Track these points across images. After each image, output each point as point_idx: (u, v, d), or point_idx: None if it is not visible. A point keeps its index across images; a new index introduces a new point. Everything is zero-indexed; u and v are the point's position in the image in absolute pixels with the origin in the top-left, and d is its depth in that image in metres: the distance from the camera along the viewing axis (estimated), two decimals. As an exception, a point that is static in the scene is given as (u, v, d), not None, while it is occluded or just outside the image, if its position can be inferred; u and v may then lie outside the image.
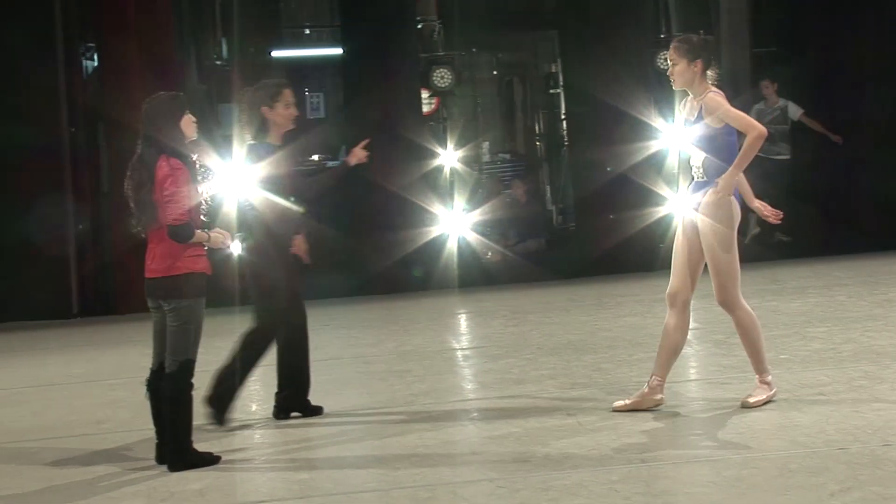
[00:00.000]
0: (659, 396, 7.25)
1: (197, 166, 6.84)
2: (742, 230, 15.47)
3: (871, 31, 15.20)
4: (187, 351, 6.75)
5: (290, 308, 7.74)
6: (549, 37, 18.69)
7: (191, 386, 6.78)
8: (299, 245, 7.85)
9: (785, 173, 15.26)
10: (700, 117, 7.12)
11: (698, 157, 7.18)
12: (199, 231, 6.79)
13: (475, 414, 7.80)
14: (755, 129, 7.03)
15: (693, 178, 7.25)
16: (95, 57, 14.19)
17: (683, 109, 7.29)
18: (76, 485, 6.71)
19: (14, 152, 13.40)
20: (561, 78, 17.43)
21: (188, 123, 6.86)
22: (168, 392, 6.76)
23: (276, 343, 7.82)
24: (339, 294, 14.07)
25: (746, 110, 15.48)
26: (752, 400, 7.17)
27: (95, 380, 9.91)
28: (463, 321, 12.21)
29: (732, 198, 7.10)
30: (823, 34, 15.50)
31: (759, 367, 7.30)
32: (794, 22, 15.88)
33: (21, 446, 7.71)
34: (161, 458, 6.86)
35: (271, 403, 7.94)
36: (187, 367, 6.75)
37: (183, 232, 6.71)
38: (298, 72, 19.31)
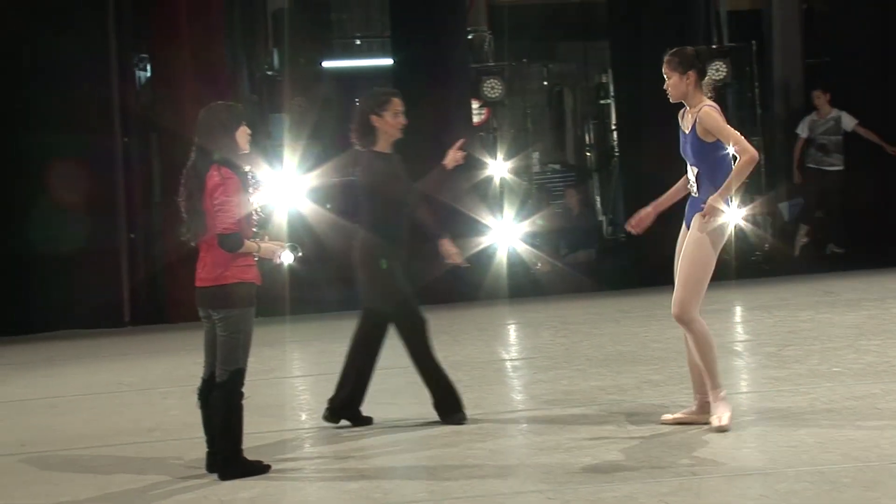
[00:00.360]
0: (707, 415, 7.18)
1: (249, 177, 6.86)
2: (789, 240, 15.46)
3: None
4: (238, 360, 6.78)
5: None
6: (600, 47, 18.65)
7: (241, 395, 6.81)
8: (447, 247, 7.86)
9: (838, 184, 15.15)
10: (694, 130, 7.05)
11: (692, 171, 7.12)
12: (248, 241, 6.81)
13: (524, 425, 7.79)
14: (748, 152, 6.95)
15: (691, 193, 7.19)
16: (148, 67, 14.31)
17: (682, 121, 7.23)
18: (128, 493, 6.76)
19: (67, 162, 13.51)
20: (612, 88, 17.38)
21: (243, 135, 6.88)
22: (219, 401, 6.79)
23: (353, 339, 7.89)
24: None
25: (799, 122, 15.49)
26: (719, 423, 7.01)
27: (147, 388, 9.98)
28: (512, 332, 12.20)
29: (726, 215, 7.02)
30: (876, 43, 15.37)
31: (714, 382, 7.11)
32: (846, 32, 15.75)
33: (74, 454, 7.77)
34: (211, 466, 6.90)
35: (322, 410, 7.95)
36: (238, 377, 6.78)
37: (232, 241, 6.74)
38: (349, 82, 19.38)
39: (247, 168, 6.88)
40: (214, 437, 6.89)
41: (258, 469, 6.85)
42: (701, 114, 7.02)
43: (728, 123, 7.13)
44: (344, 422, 7.87)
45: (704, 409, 7.19)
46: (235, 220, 6.72)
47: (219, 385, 6.80)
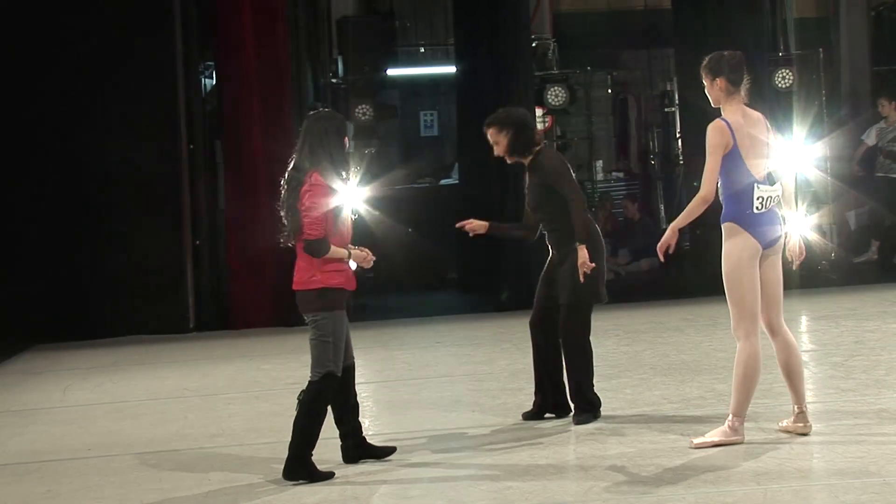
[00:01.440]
0: (802, 424, 7.09)
1: (345, 184, 6.96)
2: (859, 252, 15.29)
3: None
4: (328, 363, 6.90)
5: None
6: (665, 55, 18.58)
7: (328, 399, 6.94)
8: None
9: None
10: None
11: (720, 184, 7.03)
12: (336, 247, 6.91)
13: (588, 433, 7.76)
14: (703, 190, 6.87)
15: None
16: (213, 74, 14.43)
17: None
18: (192, 497, 6.82)
19: (134, 168, 13.67)
20: (676, 96, 17.31)
21: (344, 144, 7.03)
22: (305, 399, 6.92)
23: (542, 335, 8.10)
24: (451, 312, 14.13)
25: (864, 130, 15.32)
26: (696, 441, 6.95)
27: (211, 393, 10.05)
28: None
29: (746, 233, 6.91)
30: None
31: (739, 408, 6.99)
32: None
33: (139, 458, 7.84)
34: (348, 457, 7.11)
35: (378, 422, 7.97)
36: (328, 380, 6.91)
37: (316, 247, 6.89)
38: (413, 90, 19.45)
39: (343, 176, 6.97)
40: (348, 426, 7.12)
41: (324, 475, 6.91)
42: (708, 127, 6.97)
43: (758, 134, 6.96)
44: (548, 414, 8.08)
45: (799, 418, 7.09)
46: (320, 226, 6.83)
47: (309, 385, 6.93)
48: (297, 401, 7.02)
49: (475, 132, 15.92)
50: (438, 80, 18.99)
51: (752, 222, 6.95)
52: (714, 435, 6.98)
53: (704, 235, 13.82)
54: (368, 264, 7.14)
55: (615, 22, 19.20)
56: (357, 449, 7.21)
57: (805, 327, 11.37)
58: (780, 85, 14.70)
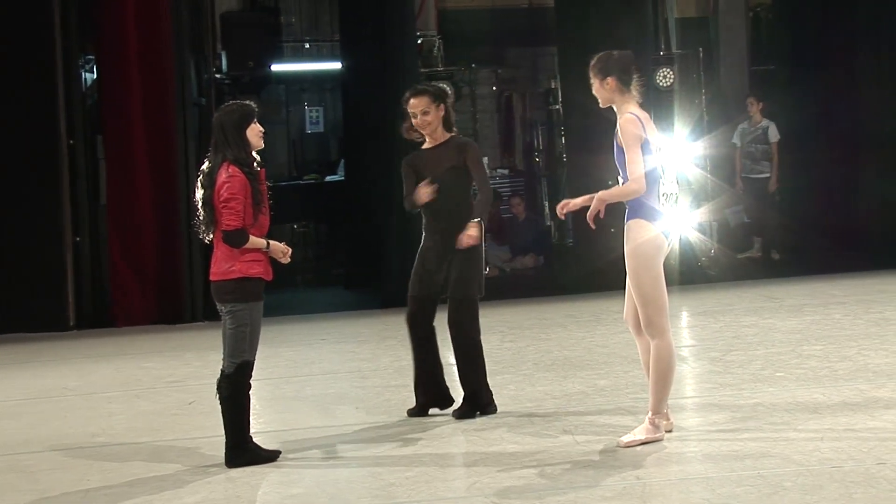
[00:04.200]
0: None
1: (258, 174, 7.03)
2: (740, 248, 15.60)
3: (869, 51, 15.23)
4: (244, 352, 7.01)
5: None
6: (549, 52, 18.71)
7: (248, 386, 7.05)
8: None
9: (766, 191, 15.38)
10: (616, 138, 6.95)
11: (620, 181, 7.02)
12: (256, 238, 6.98)
13: (470, 430, 7.78)
14: (637, 182, 6.80)
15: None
16: (95, 69, 14.21)
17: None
18: (69, 497, 6.72)
19: (12, 163, 13.42)
20: (560, 94, 17.44)
21: (254, 132, 7.08)
22: (225, 392, 7.02)
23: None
24: (336, 308, 14.11)
25: (735, 128, 15.63)
26: (625, 439, 6.92)
27: (91, 392, 9.91)
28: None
29: (653, 227, 6.86)
30: (822, 52, 15.53)
31: (658, 405, 6.98)
32: (793, 40, 15.91)
33: (16, 459, 7.71)
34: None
35: (261, 420, 7.91)
36: (244, 369, 7.02)
37: (235, 237, 6.95)
38: (298, 86, 19.35)
39: (257, 165, 7.05)
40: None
41: (265, 457, 7.04)
42: (620, 122, 6.93)
43: (650, 132, 6.95)
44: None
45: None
46: (239, 217, 6.90)
47: (226, 377, 7.03)
48: (217, 394, 7.06)
49: (361, 129, 15.98)
50: (324, 77, 18.93)
51: (657, 216, 6.90)
52: (640, 433, 6.94)
53: (589, 232, 13.98)
54: (286, 259, 7.20)
55: (500, 19, 19.28)
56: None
57: (685, 323, 11.54)
58: (661, 84, 14.89)
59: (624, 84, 7.01)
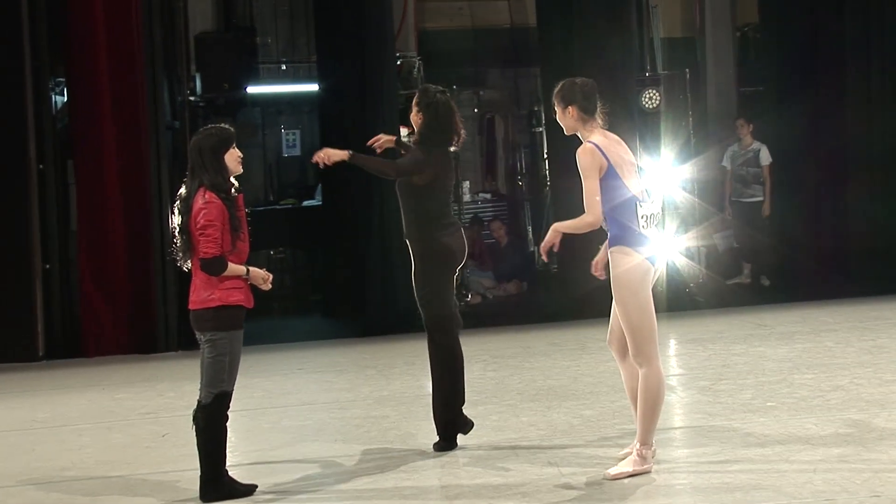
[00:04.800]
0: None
1: (235, 200, 7.02)
2: (729, 274, 15.60)
3: (858, 70, 15.30)
4: (222, 382, 6.99)
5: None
6: (532, 73, 18.75)
7: (225, 417, 7.03)
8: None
9: (759, 215, 15.39)
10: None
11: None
12: (235, 265, 6.97)
13: (452, 462, 7.76)
14: (590, 216, 6.85)
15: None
16: (65, 92, 14.18)
17: None
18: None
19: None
20: (543, 116, 17.47)
21: (232, 157, 7.06)
22: (202, 423, 6.99)
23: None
24: (314, 337, 14.08)
25: (724, 151, 15.66)
26: (612, 471, 6.92)
27: (61, 425, 9.86)
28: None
29: (636, 253, 6.88)
30: (811, 74, 15.59)
31: (646, 436, 6.98)
32: (782, 61, 15.96)
33: (-17, 494, 7.66)
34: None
35: (236, 453, 7.88)
36: (222, 399, 7.01)
37: (214, 265, 6.93)
38: (275, 108, 19.34)
39: (234, 190, 7.04)
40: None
41: (242, 491, 7.02)
42: (577, 152, 6.96)
43: (625, 156, 7.01)
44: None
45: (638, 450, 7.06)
46: (217, 244, 6.88)
47: (202, 407, 7.01)
48: (193, 425, 7.03)
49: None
50: (301, 99, 18.92)
51: (641, 241, 6.92)
52: (627, 465, 6.94)
53: (573, 257, 14.00)
54: (267, 286, 7.17)
55: (481, 39, 19.31)
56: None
57: (673, 351, 11.54)
58: (647, 105, 14.94)
59: (586, 112, 7.05)
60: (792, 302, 14.02)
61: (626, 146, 7.17)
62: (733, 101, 17.56)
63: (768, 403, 8.70)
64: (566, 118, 7.09)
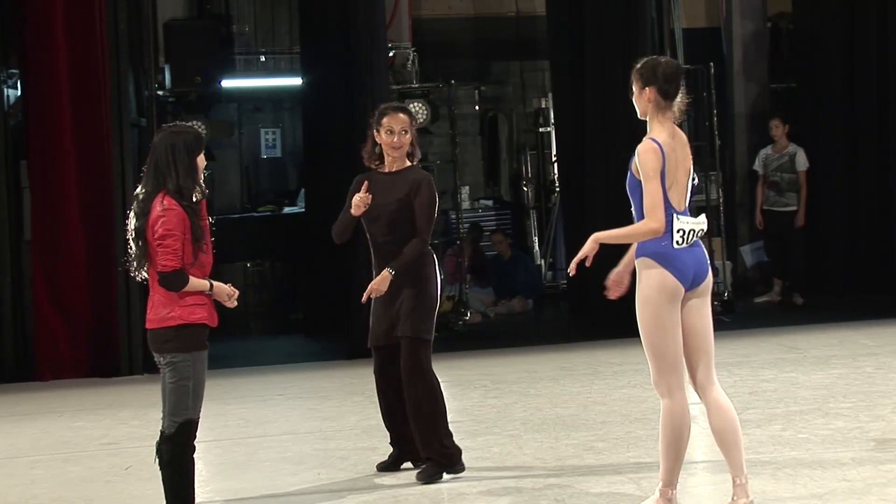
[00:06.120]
0: (743, 499, 6.92)
1: (198, 208, 6.92)
2: (758, 291, 15.56)
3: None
4: (187, 410, 6.90)
5: None
6: (539, 67, 18.82)
7: (192, 448, 6.97)
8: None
9: (793, 226, 15.27)
10: (631, 162, 6.85)
11: (634, 213, 6.91)
12: (197, 279, 6.89)
13: (449, 496, 7.77)
14: (654, 222, 6.68)
15: None
16: (18, 85, 14.20)
17: None
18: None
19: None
20: (552, 114, 17.51)
21: (200, 163, 6.99)
22: (166, 455, 6.93)
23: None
24: (296, 359, 14.09)
25: (755, 153, 15.66)
26: None
27: (12, 456, 9.86)
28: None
29: (664, 270, 6.75)
30: (850, 70, 15.63)
31: (668, 476, 6.91)
32: (818, 55, 16.00)
33: (-76, 533, 7.67)
34: None
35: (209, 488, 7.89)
36: (187, 428, 6.92)
37: (173, 279, 6.83)
38: (251, 104, 19.39)
39: (197, 197, 6.93)
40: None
41: None
42: (639, 148, 6.81)
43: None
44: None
45: (738, 492, 6.93)
46: (177, 256, 6.80)
47: (167, 438, 6.93)
48: (156, 458, 7.00)
49: (324, 153, 15.97)
50: (282, 94, 18.96)
51: (672, 258, 6.77)
52: None
53: (584, 272, 14.01)
54: (232, 303, 7.08)
55: (483, 29, 19.38)
56: None
57: (695, 376, 11.54)
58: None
59: (665, 97, 6.85)
60: (827, 323, 14.04)
61: (689, 150, 6.98)
62: (763, 98, 17.59)
63: (800, 435, 8.71)
64: (641, 99, 6.90)
